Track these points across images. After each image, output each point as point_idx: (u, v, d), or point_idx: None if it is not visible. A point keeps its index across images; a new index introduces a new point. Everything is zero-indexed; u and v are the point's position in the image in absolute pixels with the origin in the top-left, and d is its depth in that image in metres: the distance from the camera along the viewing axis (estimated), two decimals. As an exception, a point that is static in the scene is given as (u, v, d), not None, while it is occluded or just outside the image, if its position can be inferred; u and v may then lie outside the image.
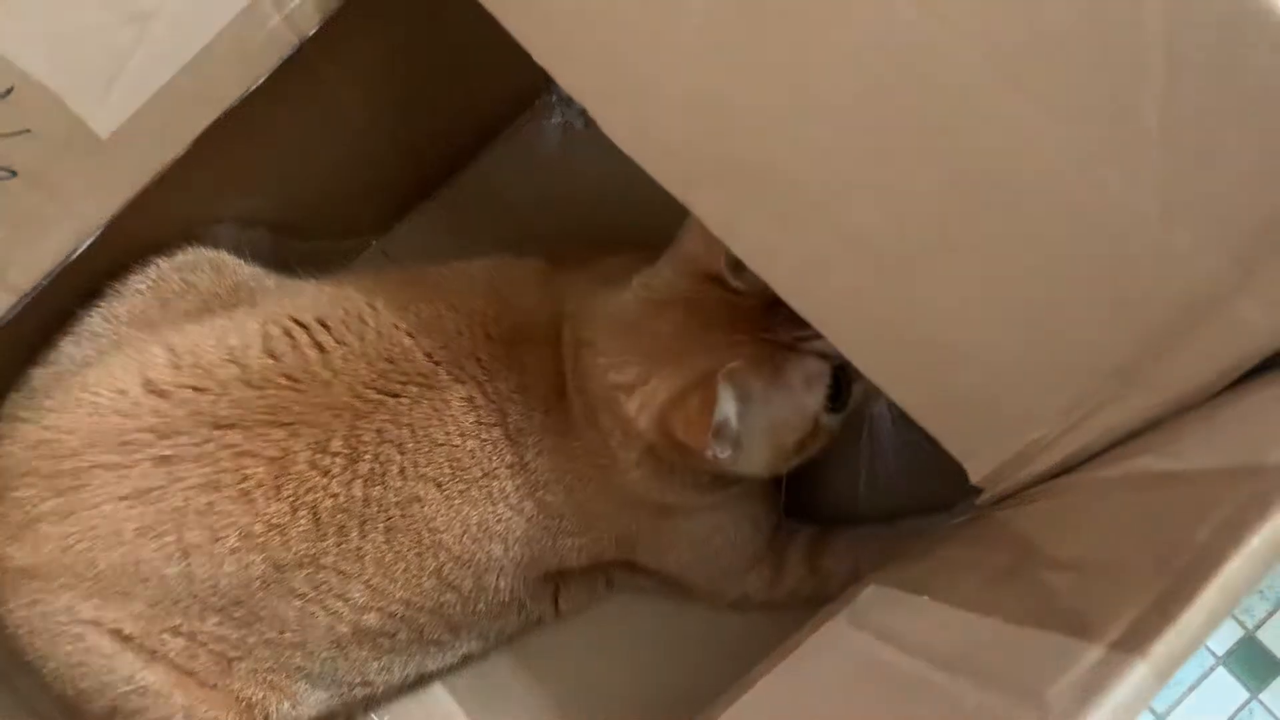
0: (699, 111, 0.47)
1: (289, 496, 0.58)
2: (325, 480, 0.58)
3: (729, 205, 0.49)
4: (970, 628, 0.32)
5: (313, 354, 0.61)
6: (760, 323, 0.56)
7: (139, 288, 0.65)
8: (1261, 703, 0.73)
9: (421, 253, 0.84)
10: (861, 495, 0.66)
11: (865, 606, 0.43)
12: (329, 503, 0.58)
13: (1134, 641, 0.24)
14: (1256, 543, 0.24)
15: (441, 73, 0.75)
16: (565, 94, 0.55)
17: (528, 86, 0.83)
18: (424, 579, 0.61)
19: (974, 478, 0.44)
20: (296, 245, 0.77)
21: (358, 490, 0.59)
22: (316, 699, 0.64)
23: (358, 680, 0.65)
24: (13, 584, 0.58)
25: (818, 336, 0.56)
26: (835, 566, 0.69)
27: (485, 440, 0.61)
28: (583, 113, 0.86)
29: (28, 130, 0.52)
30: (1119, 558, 0.29)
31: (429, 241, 0.86)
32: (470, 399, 0.61)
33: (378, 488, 0.59)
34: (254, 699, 0.61)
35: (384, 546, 0.60)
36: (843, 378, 0.57)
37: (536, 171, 0.86)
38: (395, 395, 0.60)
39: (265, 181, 0.71)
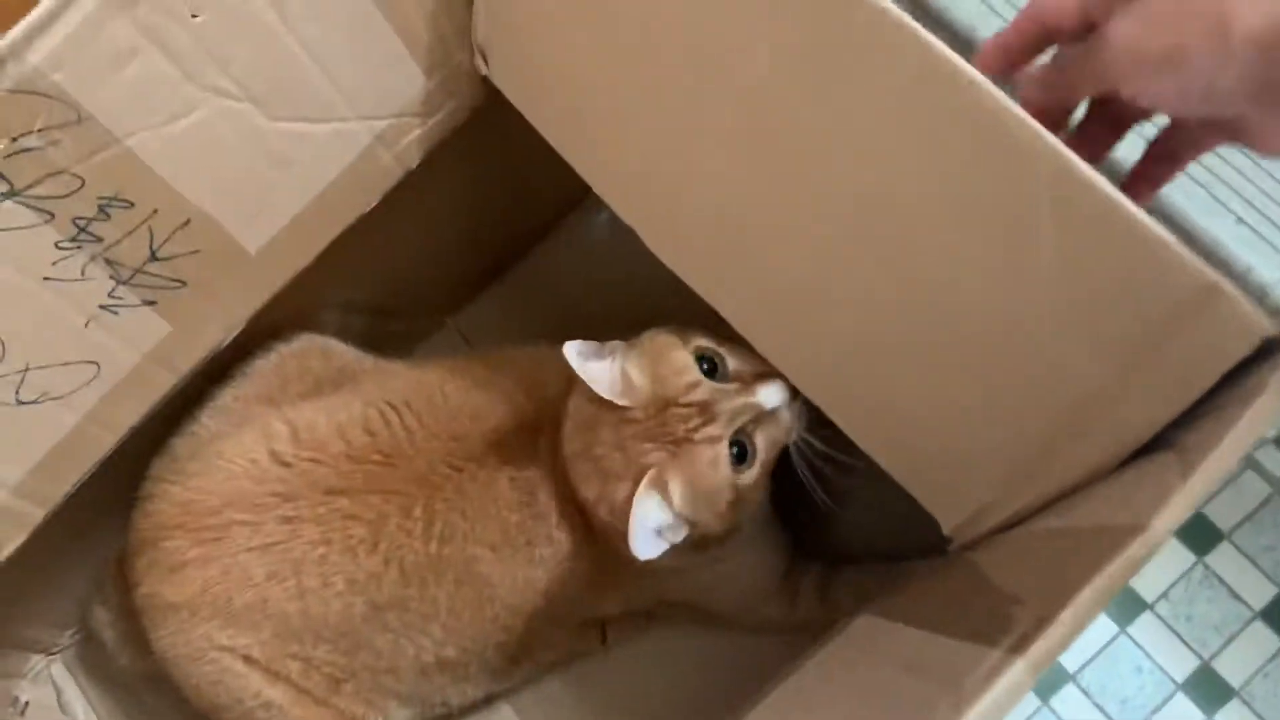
0: (715, 230, 0.54)
1: (383, 551, 0.65)
2: (409, 540, 0.65)
3: (745, 306, 0.56)
4: (928, 642, 0.42)
5: (401, 434, 0.68)
6: (657, 428, 0.62)
7: (263, 370, 0.72)
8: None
9: (489, 328, 0.95)
10: (844, 520, 0.71)
11: (857, 633, 0.53)
12: (412, 558, 0.65)
13: (1020, 647, 0.35)
14: (1099, 580, 0.34)
15: (510, 186, 0.84)
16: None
17: (577, 191, 0.89)
18: (485, 622, 0.68)
19: (945, 530, 0.53)
20: (386, 325, 0.86)
21: (433, 549, 0.65)
22: (405, 716, 0.72)
23: (438, 701, 0.73)
24: (162, 616, 0.65)
25: (705, 424, 0.61)
26: (842, 598, 0.77)
27: (524, 515, 0.67)
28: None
29: (197, 250, 0.59)
30: (1024, 589, 0.39)
31: (495, 318, 0.96)
32: (514, 479, 0.67)
33: (448, 548, 0.66)
34: (357, 714, 0.68)
35: (454, 595, 0.66)
36: (743, 442, 0.62)
37: (584, 259, 0.96)
38: (459, 470, 0.67)
39: (364, 276, 0.79)
